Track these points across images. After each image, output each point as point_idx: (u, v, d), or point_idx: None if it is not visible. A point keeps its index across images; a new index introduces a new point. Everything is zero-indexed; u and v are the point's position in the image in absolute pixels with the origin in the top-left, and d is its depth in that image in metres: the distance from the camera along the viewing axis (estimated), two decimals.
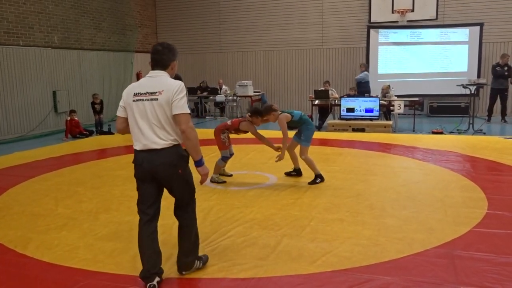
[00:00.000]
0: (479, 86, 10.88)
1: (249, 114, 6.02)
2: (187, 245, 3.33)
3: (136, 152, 3.13)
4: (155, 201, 3.24)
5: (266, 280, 3.31)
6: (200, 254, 3.53)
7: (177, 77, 12.28)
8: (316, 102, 11.94)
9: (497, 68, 11.76)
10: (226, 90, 14.62)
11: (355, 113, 11.14)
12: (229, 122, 6.21)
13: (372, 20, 14.20)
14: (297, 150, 6.22)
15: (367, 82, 13.00)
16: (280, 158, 5.92)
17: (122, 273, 3.49)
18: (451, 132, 10.24)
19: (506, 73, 11.67)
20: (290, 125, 6.07)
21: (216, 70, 16.47)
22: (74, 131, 10.95)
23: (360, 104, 11.14)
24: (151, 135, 3.04)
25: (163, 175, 3.11)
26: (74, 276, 3.45)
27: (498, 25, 13.22)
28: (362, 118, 11.06)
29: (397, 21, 13.90)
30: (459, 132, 10.23)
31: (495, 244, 3.84)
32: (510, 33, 13.19)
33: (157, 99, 3.02)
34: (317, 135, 10.41)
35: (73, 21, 13.00)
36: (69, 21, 12.85)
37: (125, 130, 3.25)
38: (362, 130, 10.73)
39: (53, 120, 12.25)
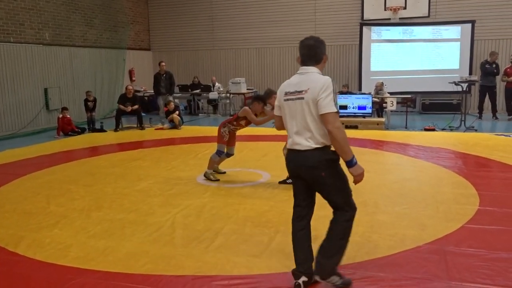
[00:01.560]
0: (470, 83, 10.95)
1: (251, 101, 5.94)
2: (328, 245, 3.06)
3: (288, 150, 3.11)
4: (307, 197, 3.15)
5: (259, 277, 3.31)
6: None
7: (168, 74, 12.14)
8: None
9: (486, 66, 11.84)
10: (219, 88, 14.61)
11: (348, 110, 11.14)
12: (230, 116, 6.18)
13: (365, 17, 14.22)
14: None
15: None
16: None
17: (115, 271, 3.47)
18: (443, 129, 10.30)
19: (494, 70, 11.76)
20: None
21: (209, 68, 16.43)
22: (66, 128, 10.88)
23: (353, 101, 11.15)
24: (296, 136, 2.97)
25: (306, 177, 3.01)
26: (66, 274, 3.43)
27: (490, 23, 13.29)
28: (355, 115, 11.08)
29: (390, 19, 13.93)
30: (451, 129, 10.29)
31: (486, 240, 3.87)
32: (502, 30, 13.27)
33: (303, 98, 2.90)
34: None
35: (65, 18, 12.89)
36: (60, 17, 12.74)
37: (283, 128, 3.20)
38: (355, 127, 10.76)
39: (44, 118, 12.16)
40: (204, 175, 6.18)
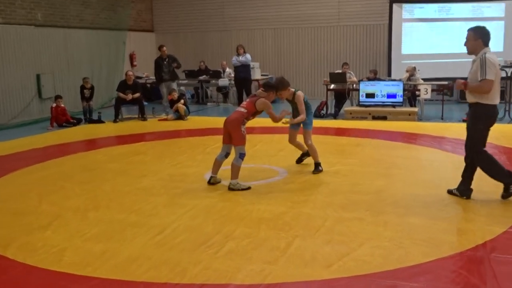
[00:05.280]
0: None
1: (263, 89, 5.78)
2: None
3: (494, 106, 4.84)
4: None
5: (275, 287, 3.30)
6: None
7: (171, 58, 12.17)
8: (332, 86, 11.87)
9: None
10: (230, 74, 14.55)
11: (375, 99, 11.07)
12: (243, 110, 5.63)
13: None
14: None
15: (249, 65, 13.18)
16: (291, 122, 6.10)
17: (114, 278, 3.49)
18: None
19: None
20: (293, 106, 6.22)
21: (219, 51, 16.41)
22: (60, 119, 10.98)
23: (382, 89, 11.07)
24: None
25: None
26: (60, 281, 3.46)
27: None
28: (383, 105, 10.99)
29: None
30: None
31: None
32: None
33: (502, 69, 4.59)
34: (332, 123, 10.40)
35: None
36: None
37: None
38: (384, 118, 10.68)
39: (37, 107, 12.29)
40: (230, 187, 5.55)
